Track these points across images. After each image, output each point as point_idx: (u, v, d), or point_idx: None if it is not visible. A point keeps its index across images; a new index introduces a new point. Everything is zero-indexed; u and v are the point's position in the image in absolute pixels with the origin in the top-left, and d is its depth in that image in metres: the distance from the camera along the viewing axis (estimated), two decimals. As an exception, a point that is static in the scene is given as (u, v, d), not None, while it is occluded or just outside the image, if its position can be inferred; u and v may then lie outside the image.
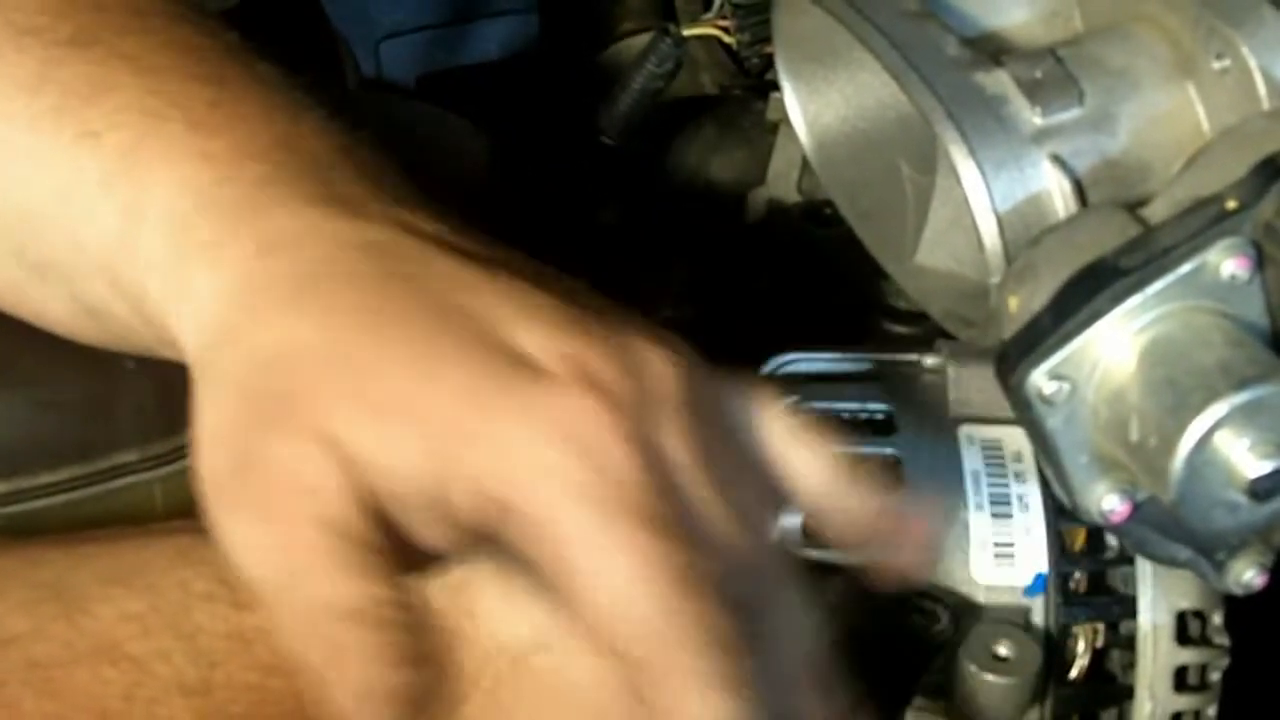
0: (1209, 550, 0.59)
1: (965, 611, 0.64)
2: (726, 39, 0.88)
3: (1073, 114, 0.62)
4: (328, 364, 0.49)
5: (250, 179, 0.54)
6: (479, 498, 0.48)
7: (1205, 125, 0.63)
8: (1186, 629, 0.65)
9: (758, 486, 0.53)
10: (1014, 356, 0.57)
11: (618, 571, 0.47)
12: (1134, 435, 0.55)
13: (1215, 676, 0.66)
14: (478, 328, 0.49)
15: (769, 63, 0.76)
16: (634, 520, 0.47)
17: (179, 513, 0.74)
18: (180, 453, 0.74)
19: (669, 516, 0.47)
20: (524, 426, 0.47)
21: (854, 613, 0.61)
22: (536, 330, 0.49)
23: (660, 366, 0.50)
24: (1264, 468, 0.53)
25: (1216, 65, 0.61)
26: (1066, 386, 0.56)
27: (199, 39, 0.60)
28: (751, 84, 0.92)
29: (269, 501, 0.48)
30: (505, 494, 0.47)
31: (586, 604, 0.48)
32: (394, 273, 0.51)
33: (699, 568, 0.47)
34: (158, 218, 0.55)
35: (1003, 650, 0.62)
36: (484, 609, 0.60)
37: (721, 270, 0.79)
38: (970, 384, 0.68)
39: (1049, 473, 0.59)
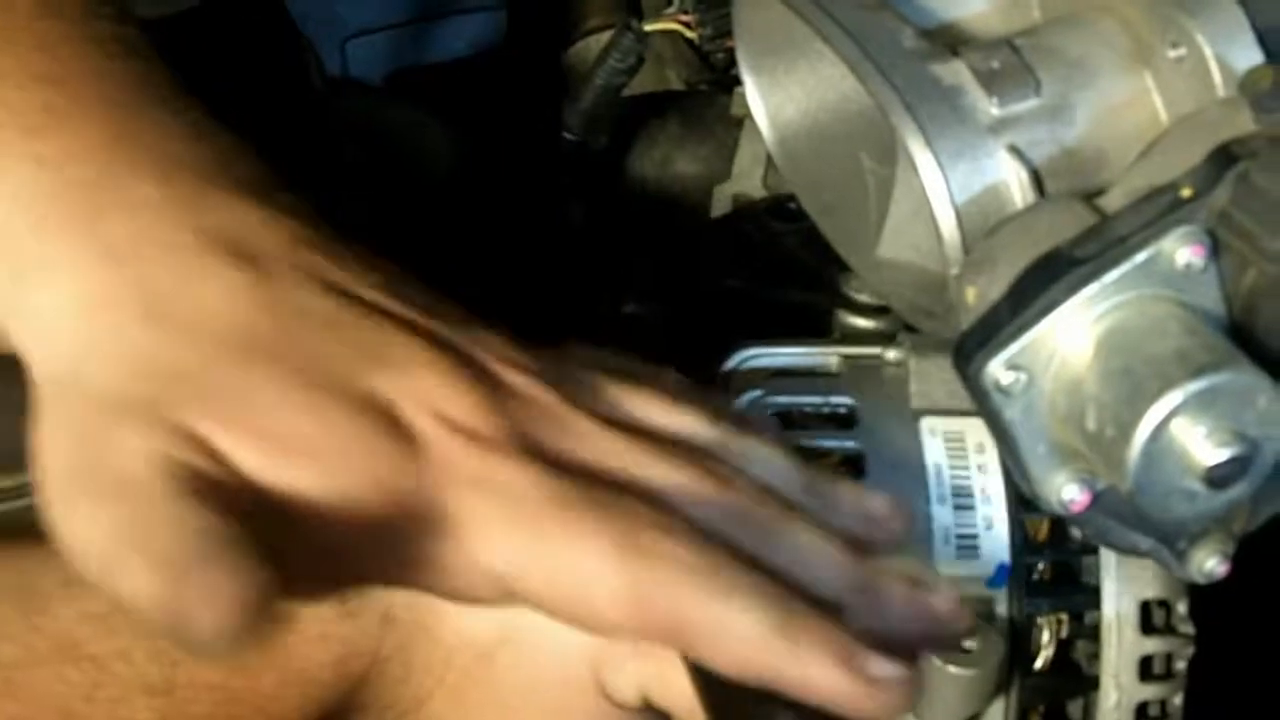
0: (1170, 539, 0.59)
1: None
2: (689, 34, 0.88)
3: (1030, 104, 0.62)
4: (205, 384, 0.48)
5: (82, 181, 0.51)
6: (383, 545, 0.48)
7: (1162, 114, 0.62)
8: (1151, 618, 0.66)
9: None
10: (971, 347, 0.57)
11: (571, 567, 0.47)
12: (1091, 424, 0.55)
13: (1180, 666, 0.66)
14: (357, 381, 0.48)
15: (734, 58, 0.76)
16: (565, 511, 0.48)
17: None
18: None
19: (575, 493, 0.48)
20: (419, 484, 0.47)
21: None
22: (408, 386, 0.49)
23: (518, 380, 0.50)
24: (1220, 455, 0.53)
25: (1172, 54, 0.61)
26: (1024, 377, 0.56)
27: (62, 33, 0.55)
28: (716, 79, 0.91)
29: (121, 485, 0.46)
30: (418, 552, 0.48)
31: (559, 608, 0.48)
32: (259, 299, 0.49)
33: (628, 515, 0.48)
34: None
35: (966, 642, 0.62)
36: (448, 605, 0.60)
37: (685, 266, 0.79)
38: (932, 377, 0.68)
39: (1008, 463, 0.59)
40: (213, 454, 0.47)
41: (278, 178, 0.54)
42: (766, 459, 0.53)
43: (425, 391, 0.49)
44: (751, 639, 0.47)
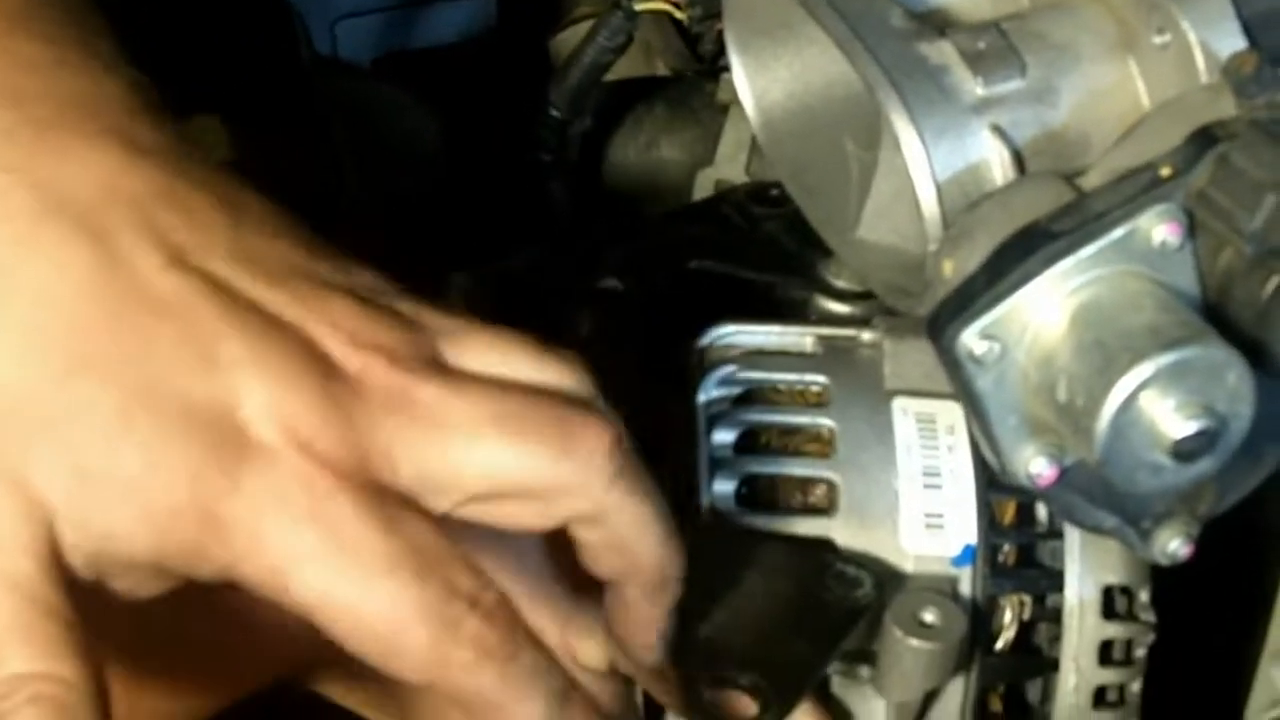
0: (1135, 518, 0.59)
1: (893, 580, 0.64)
2: (678, 14, 0.89)
3: (1014, 85, 0.63)
4: (25, 408, 0.46)
5: None
6: (212, 568, 0.47)
7: (1145, 99, 0.63)
8: (1113, 604, 0.66)
9: None
10: (945, 317, 0.57)
11: (378, 621, 0.47)
12: (1062, 396, 0.55)
13: (1141, 652, 0.66)
14: (188, 388, 0.47)
15: (722, 48, 0.76)
16: (373, 568, 0.47)
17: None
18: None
19: (402, 551, 0.47)
20: (245, 507, 0.46)
21: (778, 579, 0.61)
22: (251, 390, 0.47)
23: (363, 364, 0.49)
24: (1188, 428, 0.53)
25: (1157, 40, 0.62)
26: (997, 347, 0.56)
27: None
28: (704, 69, 0.92)
29: None
30: (248, 574, 0.47)
31: (360, 653, 0.48)
32: (95, 281, 0.47)
33: (447, 586, 0.48)
34: None
35: (928, 617, 0.62)
36: None
37: (662, 245, 0.79)
38: (906, 358, 0.69)
39: (978, 434, 0.59)
40: (41, 505, 0.45)
41: (158, 108, 0.52)
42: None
43: (265, 396, 0.47)
44: None
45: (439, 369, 0.50)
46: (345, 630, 0.47)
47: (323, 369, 0.48)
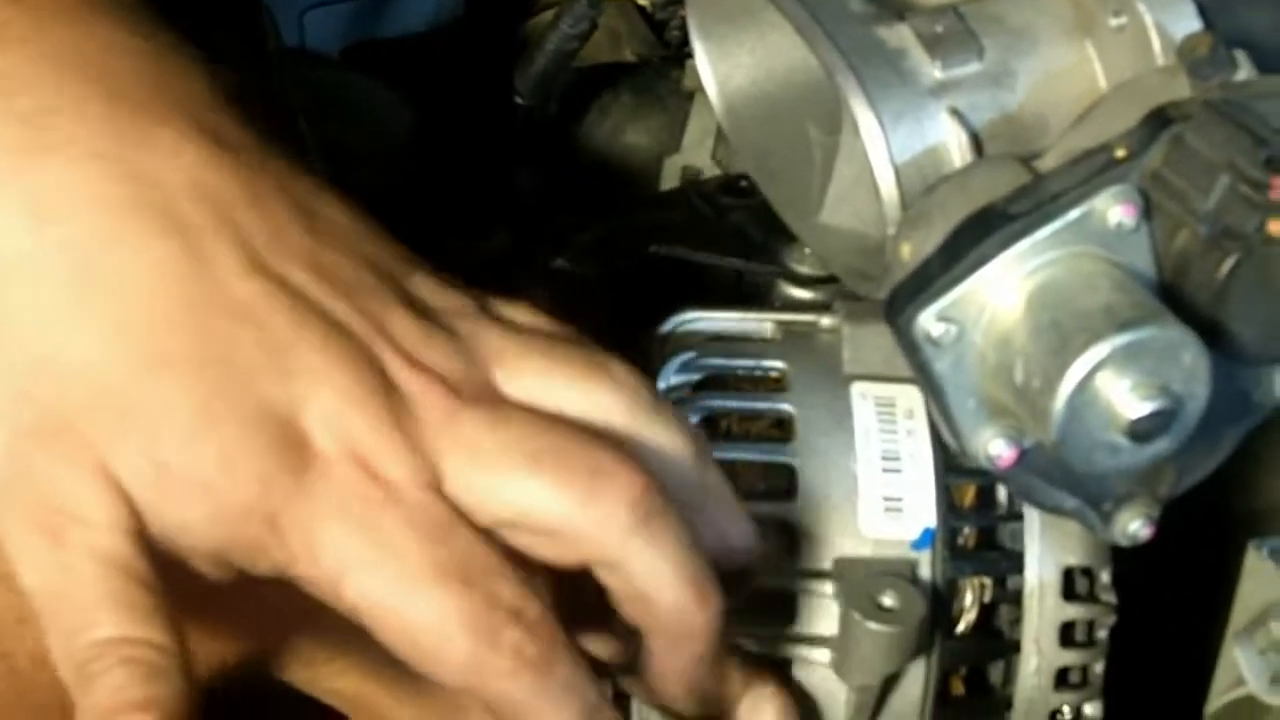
0: (1095, 499, 0.60)
1: (850, 564, 0.64)
2: (643, 1, 0.89)
3: (972, 68, 0.63)
4: (109, 397, 0.48)
5: (23, 116, 0.50)
6: (270, 566, 0.49)
7: (1102, 82, 0.63)
8: (1074, 585, 0.66)
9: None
10: (903, 299, 0.57)
11: (423, 628, 0.49)
12: (1019, 377, 0.55)
13: (1103, 634, 0.66)
14: (262, 394, 0.48)
15: (687, 34, 0.76)
16: (420, 577, 0.49)
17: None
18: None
19: (448, 560, 0.49)
20: (305, 513, 0.48)
21: None
22: (316, 399, 0.49)
23: (423, 387, 0.51)
24: (1144, 408, 0.53)
25: (1114, 23, 0.62)
26: (954, 329, 0.56)
27: None
28: (670, 55, 0.92)
29: (43, 518, 0.47)
30: (301, 575, 0.49)
31: (405, 657, 0.50)
32: (180, 279, 0.49)
33: (491, 597, 0.49)
34: None
35: (887, 601, 0.62)
36: None
37: (624, 230, 0.79)
38: (865, 343, 0.68)
39: (937, 417, 0.59)
40: (125, 490, 0.47)
41: (240, 101, 0.54)
42: (667, 449, 0.54)
43: (330, 409, 0.49)
44: None
45: (487, 397, 0.52)
46: (392, 636, 0.49)
47: (384, 386, 0.50)
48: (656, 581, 0.52)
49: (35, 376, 0.48)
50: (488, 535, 0.51)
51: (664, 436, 0.54)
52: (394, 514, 0.49)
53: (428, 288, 0.54)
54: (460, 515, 0.50)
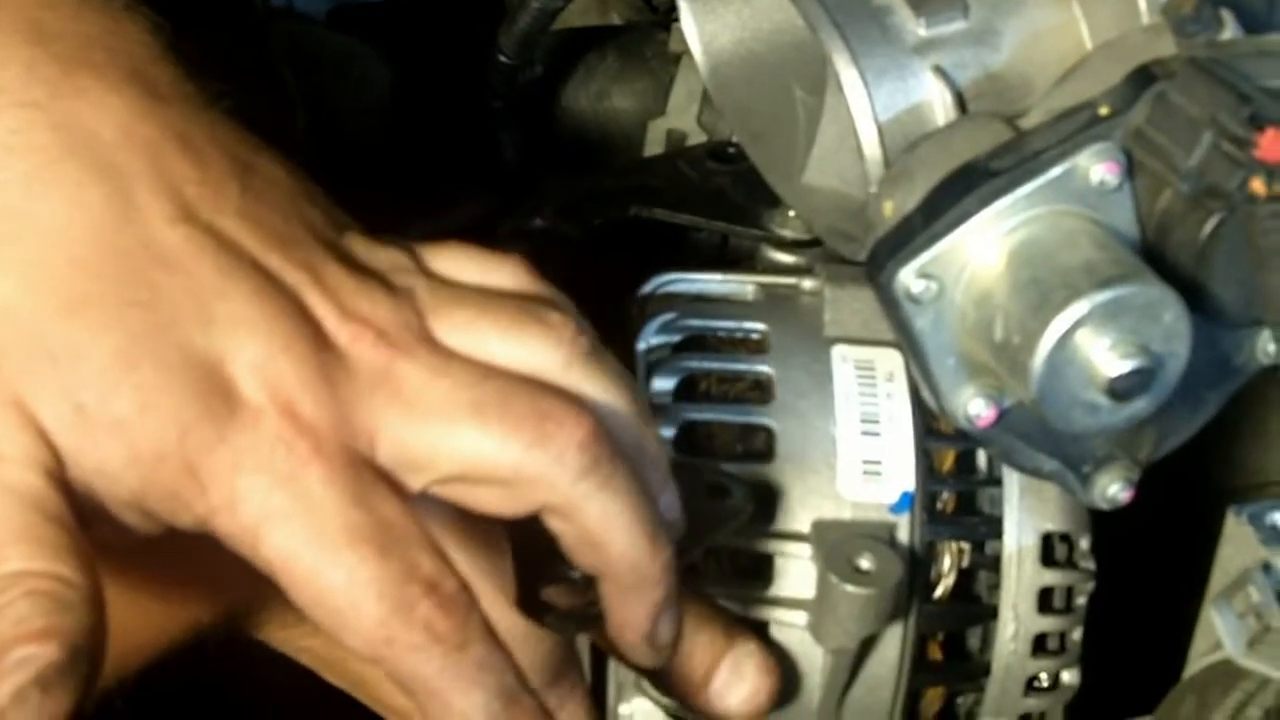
0: (1075, 462, 0.59)
1: (828, 526, 0.63)
2: (628, -36, 0.88)
3: (956, 26, 0.62)
4: (29, 337, 0.47)
5: None
6: (191, 519, 0.48)
7: (1088, 42, 0.62)
8: (1052, 551, 0.66)
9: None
10: (883, 255, 0.57)
11: (336, 590, 0.48)
12: (998, 334, 0.55)
13: (1081, 600, 0.66)
14: (186, 340, 0.47)
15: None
16: (338, 539, 0.48)
17: None
18: None
19: (369, 525, 0.48)
20: (226, 462, 0.47)
21: None
22: (245, 354, 0.48)
23: (354, 334, 0.50)
24: (1123, 367, 0.53)
25: (1100, -18, 0.61)
26: (934, 286, 0.56)
27: None
28: (657, 19, 0.91)
29: None
30: (221, 527, 0.48)
31: (316, 620, 0.48)
32: (107, 225, 0.48)
33: (407, 567, 0.48)
34: None
35: (864, 563, 0.62)
36: None
37: (605, 191, 0.79)
38: (846, 306, 0.68)
39: (917, 375, 0.58)
40: (43, 430, 0.46)
41: (178, 54, 0.53)
42: (604, 402, 0.53)
43: (257, 357, 0.48)
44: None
45: (425, 346, 0.51)
46: (303, 596, 0.48)
47: (314, 336, 0.49)
48: (608, 525, 0.51)
49: None
50: (413, 504, 0.50)
51: (601, 389, 0.53)
52: (318, 470, 0.48)
53: (362, 245, 0.53)
54: (386, 482, 0.49)
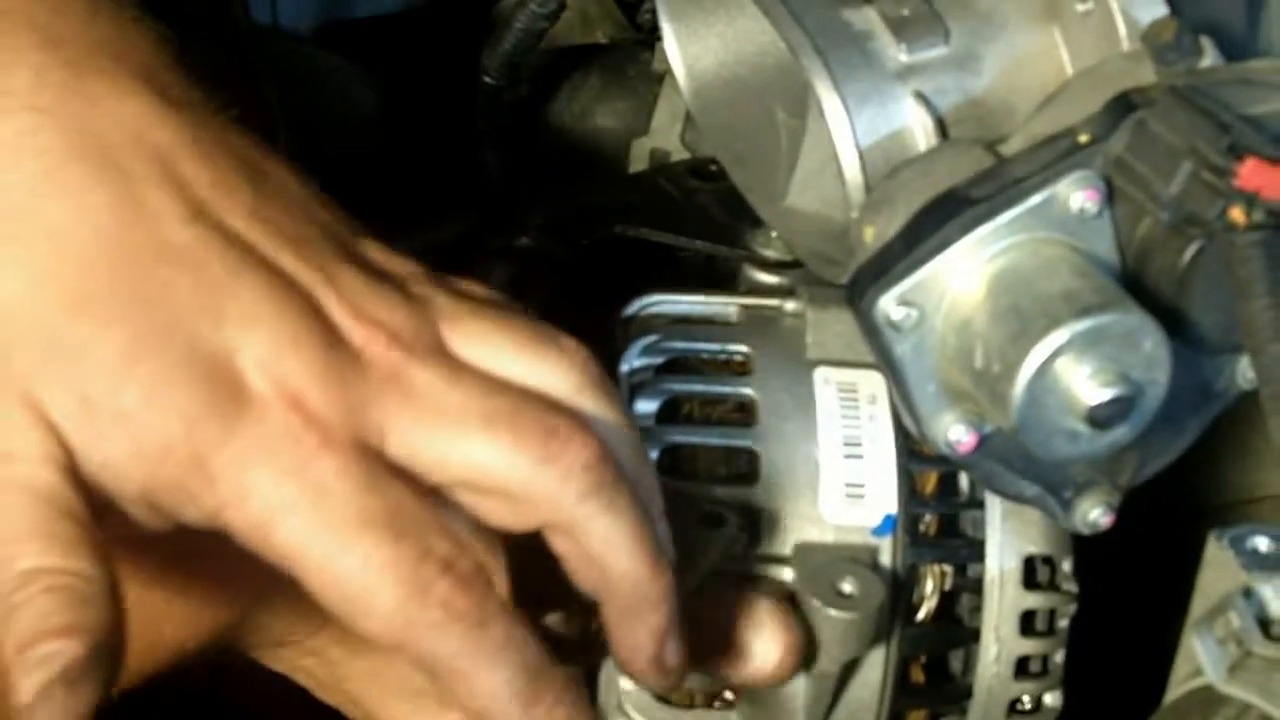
0: (1056, 487, 0.59)
1: (810, 549, 0.63)
2: (613, -17, 0.88)
3: (938, 52, 0.62)
4: (37, 334, 0.47)
5: None
6: (199, 514, 0.48)
7: (1068, 68, 0.63)
8: (1035, 574, 0.66)
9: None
10: (864, 282, 0.57)
11: (351, 576, 0.48)
12: (979, 362, 0.55)
13: (1063, 623, 0.66)
14: (194, 336, 0.48)
15: (658, 18, 0.76)
16: (351, 525, 0.48)
17: None
18: None
19: (381, 510, 0.48)
20: (234, 456, 0.48)
21: None
22: (253, 350, 0.48)
23: (367, 336, 0.50)
24: (1103, 395, 0.53)
25: (1080, 8, 0.62)
26: (915, 313, 0.56)
27: None
28: (642, 38, 0.91)
29: None
30: (231, 521, 0.48)
31: (333, 609, 0.49)
32: (115, 225, 0.48)
33: (422, 549, 0.49)
34: None
35: (846, 587, 0.62)
36: None
37: (589, 210, 0.79)
38: (829, 328, 0.68)
39: (898, 401, 0.59)
40: (53, 425, 0.47)
41: (186, 64, 0.53)
42: (610, 428, 0.53)
43: (266, 352, 0.48)
44: (496, 698, 0.49)
45: (439, 355, 0.51)
46: (320, 585, 0.48)
47: (326, 335, 0.49)
48: (611, 546, 0.52)
49: None
50: (430, 491, 0.50)
51: (608, 416, 0.53)
52: (328, 460, 0.48)
53: (378, 251, 0.53)
54: (395, 469, 0.49)
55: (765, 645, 0.60)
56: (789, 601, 0.62)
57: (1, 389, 0.47)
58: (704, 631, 0.58)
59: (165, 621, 0.58)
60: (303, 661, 0.63)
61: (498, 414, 0.51)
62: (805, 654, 0.61)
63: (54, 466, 0.46)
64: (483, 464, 0.50)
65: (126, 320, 0.47)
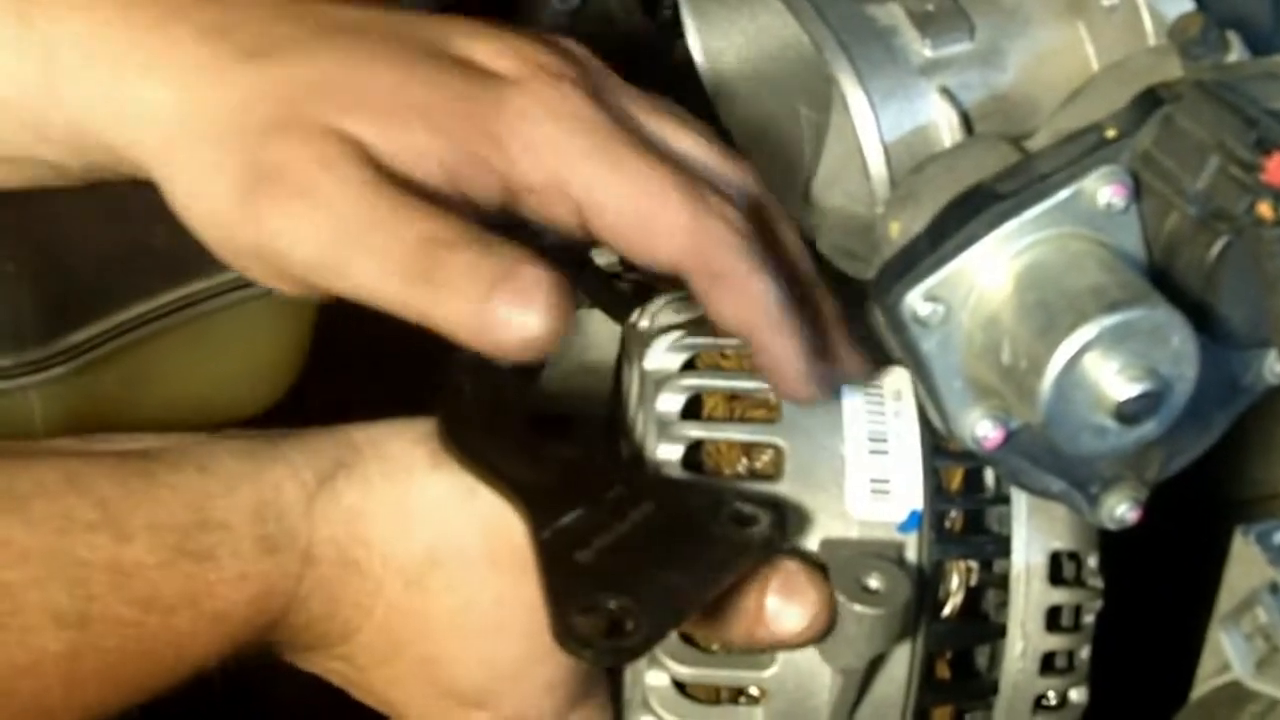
0: (1082, 482, 0.59)
1: (836, 545, 0.63)
2: (634, -22, 0.88)
3: (962, 47, 0.63)
4: (320, 81, 0.56)
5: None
6: (498, 181, 0.57)
7: (1094, 63, 0.63)
8: (1060, 570, 0.65)
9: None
10: (890, 278, 0.57)
11: (650, 198, 0.57)
12: (1006, 358, 0.55)
13: (1089, 618, 0.66)
14: (442, 51, 0.59)
15: (679, 15, 0.76)
16: (633, 150, 0.58)
17: (60, 426, 0.73)
18: (59, 359, 0.73)
19: (640, 139, 0.59)
20: (511, 117, 0.57)
21: (669, 513, 0.60)
22: (481, 46, 0.59)
23: (579, 53, 0.61)
24: (1131, 390, 0.53)
25: (1106, 3, 0.62)
26: (941, 309, 0.56)
27: None
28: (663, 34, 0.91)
29: (303, 185, 0.55)
30: (523, 177, 0.57)
31: (626, 238, 0.58)
32: (340, 26, 0.58)
33: (687, 175, 0.59)
34: (75, 53, 0.58)
35: (873, 583, 0.62)
36: (377, 534, 0.59)
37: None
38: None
39: (923, 397, 0.58)
40: (356, 143, 0.56)
41: None
42: (746, 187, 0.62)
43: (494, 49, 0.59)
44: (767, 305, 0.60)
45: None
46: (616, 214, 0.58)
47: (542, 45, 0.61)
48: (757, 285, 0.60)
49: (252, 108, 0.56)
50: None
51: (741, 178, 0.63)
52: (593, 107, 0.58)
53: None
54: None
55: (794, 607, 0.60)
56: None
57: (308, 131, 0.55)
58: (733, 594, 0.59)
59: (190, 643, 0.59)
60: (334, 664, 0.63)
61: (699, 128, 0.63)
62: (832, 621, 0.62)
63: (366, 164, 0.55)
64: (706, 150, 0.61)
65: (389, 42, 0.58)
